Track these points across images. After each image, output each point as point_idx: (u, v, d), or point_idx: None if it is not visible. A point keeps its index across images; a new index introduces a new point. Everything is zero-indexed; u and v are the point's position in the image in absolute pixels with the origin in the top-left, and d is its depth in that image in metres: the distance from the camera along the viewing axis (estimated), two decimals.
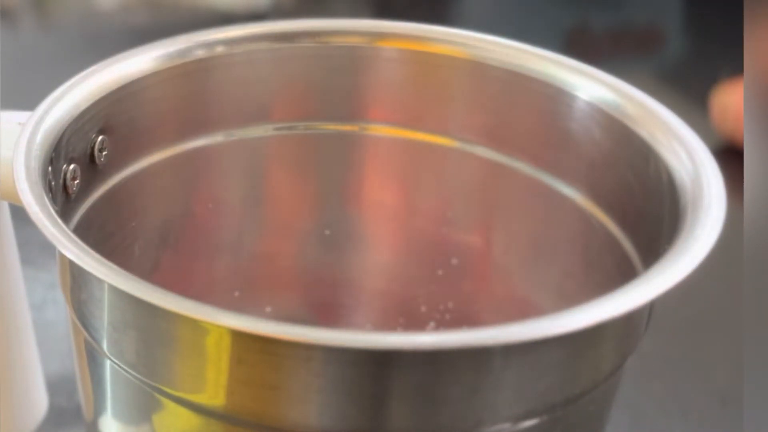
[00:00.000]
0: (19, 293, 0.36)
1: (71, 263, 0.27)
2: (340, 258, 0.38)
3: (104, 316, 0.27)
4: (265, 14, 0.73)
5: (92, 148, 0.32)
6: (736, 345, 0.43)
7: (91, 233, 0.31)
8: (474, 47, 0.35)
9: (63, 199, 0.30)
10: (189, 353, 0.25)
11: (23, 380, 0.37)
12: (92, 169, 0.32)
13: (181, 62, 0.34)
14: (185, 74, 0.34)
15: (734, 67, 0.51)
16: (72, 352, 0.31)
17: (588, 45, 0.74)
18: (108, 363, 0.28)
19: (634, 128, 0.31)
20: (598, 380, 0.27)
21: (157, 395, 0.27)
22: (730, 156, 0.40)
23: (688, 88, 0.64)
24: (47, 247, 0.27)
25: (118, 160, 0.33)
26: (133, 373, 0.27)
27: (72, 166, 0.31)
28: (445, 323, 0.38)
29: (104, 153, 0.32)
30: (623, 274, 0.31)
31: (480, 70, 0.35)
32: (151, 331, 0.26)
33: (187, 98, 0.34)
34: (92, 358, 0.29)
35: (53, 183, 0.29)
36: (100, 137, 0.32)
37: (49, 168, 0.29)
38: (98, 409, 0.30)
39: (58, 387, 0.40)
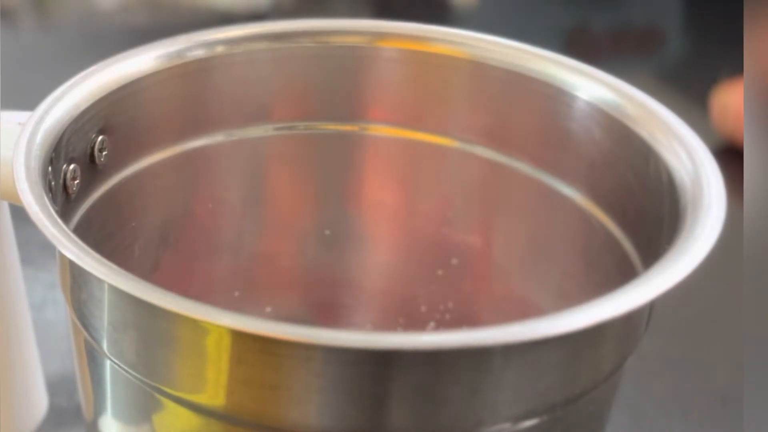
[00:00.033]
0: (19, 293, 0.36)
1: (71, 263, 0.27)
2: (340, 258, 0.38)
3: (104, 316, 0.27)
4: (265, 14, 0.73)
5: (92, 148, 0.32)
6: (736, 345, 0.43)
7: (91, 233, 0.31)
8: (474, 47, 0.35)
9: (63, 199, 0.30)
10: (189, 353, 0.25)
11: (23, 380, 0.37)
12: (92, 169, 0.32)
13: (181, 62, 0.34)
14: (185, 74, 0.34)
15: (734, 67, 0.51)
16: (72, 352, 0.31)
17: (588, 45, 0.74)
18: (108, 363, 0.28)
19: (634, 128, 0.31)
20: (598, 380, 0.27)
21: (157, 395, 0.27)
22: (730, 156, 0.40)
23: (688, 88, 0.64)
24: (47, 247, 0.27)
25: (118, 160, 0.33)
26: (133, 373, 0.27)
27: (72, 166, 0.31)
28: (445, 323, 0.38)
29: (104, 153, 0.32)
30: (623, 274, 0.31)
31: (480, 70, 0.35)
32: (151, 331, 0.26)
33: (187, 98, 0.34)
34: (92, 358, 0.29)
35: (53, 183, 0.29)
36: (100, 137, 0.32)
37: (49, 168, 0.29)
38: (98, 409, 0.30)
39: (58, 387, 0.40)
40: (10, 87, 0.51)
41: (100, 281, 0.26)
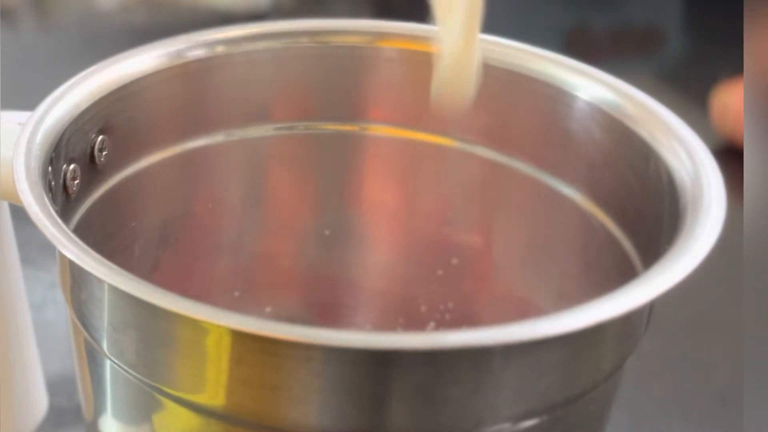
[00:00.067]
0: (19, 293, 0.36)
1: (71, 263, 0.27)
2: (340, 258, 0.38)
3: (104, 316, 0.27)
4: (265, 14, 0.73)
5: (92, 148, 0.32)
6: (736, 345, 0.43)
7: (91, 233, 0.31)
8: None
9: (63, 199, 0.30)
10: (189, 353, 0.25)
11: (23, 380, 0.37)
12: (92, 169, 0.32)
13: (181, 62, 0.34)
14: (185, 74, 0.34)
15: (734, 67, 0.51)
16: (72, 352, 0.31)
17: (588, 45, 0.74)
18: (108, 363, 0.28)
19: (634, 128, 0.31)
20: (598, 380, 0.27)
21: (157, 395, 0.27)
22: (730, 156, 0.40)
23: (688, 88, 0.64)
24: (47, 247, 0.27)
25: (118, 160, 0.33)
26: (133, 373, 0.27)
27: (72, 166, 0.31)
28: (445, 323, 0.38)
29: (104, 153, 0.32)
30: (623, 274, 0.31)
31: (480, 70, 0.35)
32: (151, 331, 0.26)
33: (187, 98, 0.34)
34: (92, 358, 0.29)
35: (53, 183, 0.29)
36: (100, 137, 0.32)
37: (49, 168, 0.29)
38: (98, 409, 0.30)
39: (58, 387, 0.40)
40: (10, 87, 0.51)
41: (100, 281, 0.26)
